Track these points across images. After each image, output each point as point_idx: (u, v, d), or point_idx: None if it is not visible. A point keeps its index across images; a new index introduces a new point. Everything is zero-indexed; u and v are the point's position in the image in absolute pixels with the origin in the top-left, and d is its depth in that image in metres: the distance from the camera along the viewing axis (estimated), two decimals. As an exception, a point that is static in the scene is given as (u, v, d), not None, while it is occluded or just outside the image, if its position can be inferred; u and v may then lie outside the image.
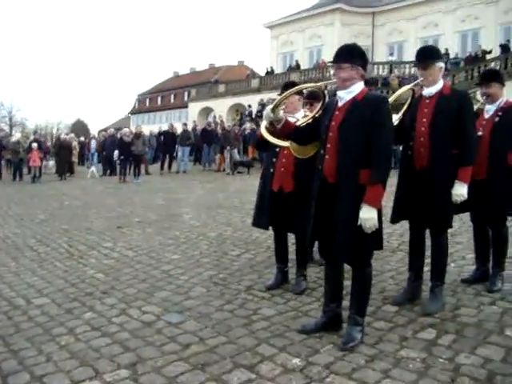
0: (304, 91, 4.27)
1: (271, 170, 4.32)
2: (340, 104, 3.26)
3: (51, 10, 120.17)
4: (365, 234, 3.06)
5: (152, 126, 40.94)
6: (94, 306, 4.18)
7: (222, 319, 3.79)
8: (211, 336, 3.48)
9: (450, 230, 4.05)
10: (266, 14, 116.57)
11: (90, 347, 3.36)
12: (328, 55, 29.98)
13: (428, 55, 3.85)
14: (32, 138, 19.14)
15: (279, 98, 3.44)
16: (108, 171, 18.51)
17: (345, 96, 3.23)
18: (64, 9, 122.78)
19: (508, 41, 24.68)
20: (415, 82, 4.03)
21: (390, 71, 26.60)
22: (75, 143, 19.05)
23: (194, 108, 37.45)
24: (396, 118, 4.13)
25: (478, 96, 4.48)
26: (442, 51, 26.76)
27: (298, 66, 31.30)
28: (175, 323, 3.74)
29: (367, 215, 3.01)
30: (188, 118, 35.59)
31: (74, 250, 6.37)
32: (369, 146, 3.08)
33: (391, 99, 3.89)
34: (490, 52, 22.93)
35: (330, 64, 20.93)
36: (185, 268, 5.28)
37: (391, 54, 30.17)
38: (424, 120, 3.78)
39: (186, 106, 41.30)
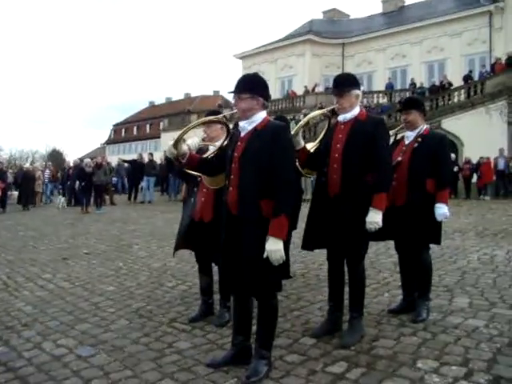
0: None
1: (192, 200, 4.29)
2: (242, 134, 3.25)
3: (22, 41, 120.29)
4: (270, 266, 3.00)
5: (128, 155, 40.83)
6: (10, 340, 4.07)
7: (134, 352, 3.69)
8: (117, 370, 3.38)
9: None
10: (239, 44, 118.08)
11: (-12, 384, 3.25)
12: (299, 85, 30.57)
13: (344, 83, 3.86)
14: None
15: (179, 133, 3.41)
16: (73, 201, 18.28)
17: (246, 126, 3.22)
18: (34, 39, 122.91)
19: (471, 71, 25.42)
20: (329, 108, 4.05)
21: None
22: (39, 173, 18.78)
23: (167, 138, 37.41)
24: (312, 145, 4.17)
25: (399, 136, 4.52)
26: (409, 81, 27.50)
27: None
28: (85, 356, 3.64)
29: (273, 247, 2.95)
30: (161, 147, 35.53)
31: (11, 281, 6.23)
32: (270, 175, 3.04)
33: (302, 122, 3.92)
34: (450, 84, 23.50)
35: (299, 94, 21.31)
36: (115, 300, 5.17)
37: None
38: (338, 145, 3.76)
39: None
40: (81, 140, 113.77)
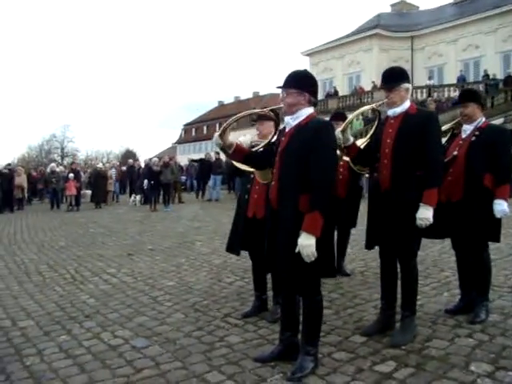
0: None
1: (246, 197, 4.34)
2: (287, 130, 3.26)
3: (97, 44, 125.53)
4: (306, 262, 2.97)
5: (198, 155, 41.70)
6: (72, 330, 4.31)
7: (186, 345, 3.80)
8: (168, 361, 3.51)
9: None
10: (307, 41, 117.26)
11: (50, 368, 3.49)
12: (367, 81, 30.02)
13: (393, 78, 3.78)
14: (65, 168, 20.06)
15: (226, 123, 3.46)
16: (142, 200, 18.94)
17: (290, 121, 3.22)
18: (111, 42, 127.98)
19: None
20: (379, 103, 3.97)
21: (429, 95, 26.21)
22: (111, 172, 19.61)
23: (236, 137, 37.91)
24: (363, 141, 4.11)
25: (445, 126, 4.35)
26: (482, 73, 26.33)
27: (336, 92, 31.30)
28: (139, 347, 3.79)
29: (305, 242, 2.93)
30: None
31: (78, 275, 6.56)
32: (310, 171, 3.02)
33: (350, 118, 3.86)
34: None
35: (368, 90, 20.90)
36: (174, 294, 5.33)
37: (430, 78, 29.74)
38: (388, 141, 3.70)
39: (231, 135, 41.86)
40: (153, 140, 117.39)
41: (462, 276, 4.34)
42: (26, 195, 19.11)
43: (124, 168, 22.71)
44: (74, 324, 4.46)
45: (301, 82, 3.22)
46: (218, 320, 4.39)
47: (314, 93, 3.26)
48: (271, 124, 4.17)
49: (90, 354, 3.72)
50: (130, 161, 23.80)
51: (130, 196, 20.00)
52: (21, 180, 18.15)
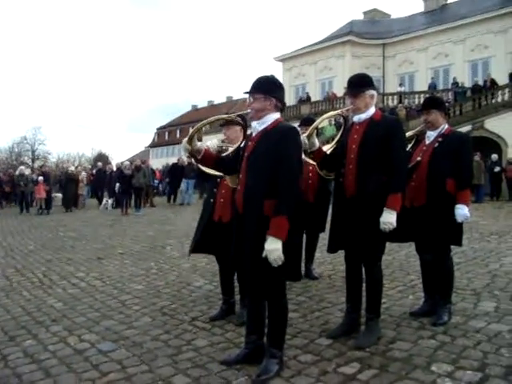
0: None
1: (211, 200, 4.36)
2: (253, 134, 3.30)
3: (68, 45, 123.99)
4: (271, 266, 3.01)
5: (171, 158, 41.50)
6: (38, 334, 4.26)
7: (153, 348, 3.80)
8: (134, 365, 3.50)
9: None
10: (280, 46, 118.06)
11: (14, 373, 3.44)
12: (339, 87, 30.30)
13: (358, 84, 3.85)
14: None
15: (193, 129, 3.49)
16: (114, 204, 18.75)
17: (257, 127, 3.26)
18: (83, 43, 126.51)
19: (517, 70, 24.59)
20: (345, 109, 4.04)
21: (400, 101, 26.61)
22: (82, 176, 19.36)
23: (214, 140, 37.79)
24: (329, 147, 4.18)
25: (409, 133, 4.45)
26: (451, 80, 26.88)
27: (308, 98, 31.53)
28: (105, 351, 3.78)
29: (271, 247, 2.96)
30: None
31: (46, 279, 6.48)
32: (275, 176, 3.06)
33: (316, 123, 3.92)
34: (494, 83, 22.77)
35: (339, 96, 20.92)
36: (142, 298, 5.31)
37: (401, 85, 30.22)
38: (353, 146, 3.76)
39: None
40: (125, 143, 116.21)
41: (426, 279, 4.44)
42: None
43: (93, 171, 22.39)
44: (41, 328, 4.41)
45: (267, 88, 3.26)
46: (185, 323, 4.40)
47: (281, 98, 3.31)
48: (238, 129, 4.21)
49: (55, 358, 3.69)
50: (99, 164, 23.56)
51: (99, 200, 19.81)
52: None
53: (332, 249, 3.96)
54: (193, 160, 3.81)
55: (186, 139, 3.45)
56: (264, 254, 2.99)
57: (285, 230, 3.00)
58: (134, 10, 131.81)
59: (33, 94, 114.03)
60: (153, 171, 20.98)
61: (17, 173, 18.78)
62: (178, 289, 5.69)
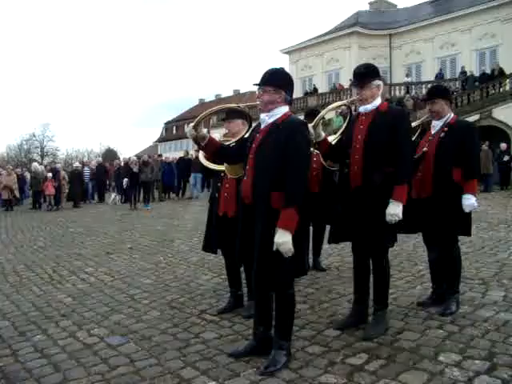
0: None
1: (216, 195, 4.37)
2: (262, 127, 3.30)
3: (76, 42, 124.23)
4: (280, 258, 3.03)
5: (179, 152, 41.50)
6: (48, 329, 4.30)
7: (162, 342, 3.83)
8: (143, 358, 3.53)
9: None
10: (287, 39, 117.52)
11: (24, 368, 3.47)
12: (346, 78, 30.13)
13: (364, 74, 3.82)
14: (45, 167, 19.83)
15: (200, 115, 3.48)
16: (122, 198, 18.83)
17: (266, 119, 3.27)
18: (91, 40, 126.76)
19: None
20: (351, 99, 4.03)
21: (407, 92, 26.45)
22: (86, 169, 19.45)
23: (216, 135, 37.87)
24: (334, 137, 4.17)
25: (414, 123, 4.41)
26: (459, 70, 26.65)
27: (315, 90, 31.41)
28: (115, 345, 3.81)
29: (281, 239, 2.98)
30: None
31: (56, 275, 6.53)
32: (283, 169, 3.07)
33: (321, 114, 3.91)
34: (502, 71, 22.52)
35: (346, 87, 20.83)
36: (151, 292, 5.34)
37: (407, 75, 29.98)
38: (359, 137, 3.74)
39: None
40: (134, 138, 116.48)
41: (433, 269, 4.43)
42: (17, 195, 18.79)
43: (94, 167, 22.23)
44: (50, 323, 4.45)
45: (278, 80, 3.26)
46: (193, 317, 4.42)
47: (290, 91, 3.31)
48: (240, 122, 4.22)
49: (65, 352, 3.72)
50: (99, 159, 23.58)
51: (99, 196, 19.87)
52: (10, 180, 17.83)
53: (334, 240, 3.95)
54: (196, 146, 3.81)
55: (192, 124, 3.45)
56: (275, 248, 3.00)
57: (294, 222, 3.02)
58: (140, 4, 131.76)
59: (41, 91, 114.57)
60: (168, 164, 20.37)
61: (32, 169, 18.77)
62: (187, 282, 5.72)
